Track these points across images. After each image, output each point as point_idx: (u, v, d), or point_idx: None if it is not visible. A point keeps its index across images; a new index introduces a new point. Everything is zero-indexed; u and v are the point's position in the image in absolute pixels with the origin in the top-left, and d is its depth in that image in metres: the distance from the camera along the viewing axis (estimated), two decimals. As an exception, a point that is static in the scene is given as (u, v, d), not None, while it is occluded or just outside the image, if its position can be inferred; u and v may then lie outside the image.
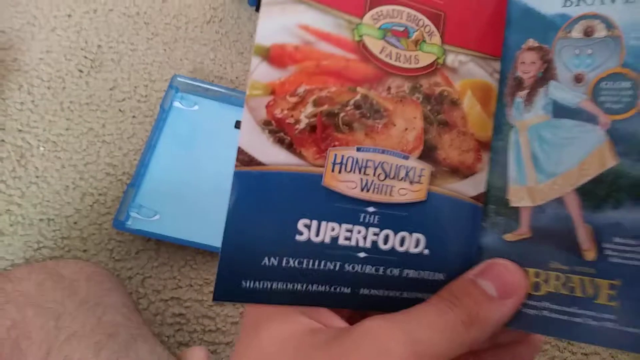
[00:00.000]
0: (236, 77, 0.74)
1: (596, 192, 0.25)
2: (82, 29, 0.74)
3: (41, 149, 0.67)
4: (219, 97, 0.70)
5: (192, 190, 0.64)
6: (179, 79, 0.70)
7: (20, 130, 0.67)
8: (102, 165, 0.67)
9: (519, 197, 0.27)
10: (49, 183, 0.65)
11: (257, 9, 0.78)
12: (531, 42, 0.27)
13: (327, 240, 0.24)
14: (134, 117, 0.70)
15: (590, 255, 0.25)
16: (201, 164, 0.66)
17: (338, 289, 0.25)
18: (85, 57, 0.73)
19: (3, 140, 0.66)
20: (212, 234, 0.62)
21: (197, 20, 0.77)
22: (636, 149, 0.24)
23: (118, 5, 0.76)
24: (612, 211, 0.24)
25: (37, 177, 0.65)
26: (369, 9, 0.24)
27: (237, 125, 0.69)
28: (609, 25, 0.25)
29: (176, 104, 0.70)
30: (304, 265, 0.24)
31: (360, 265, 0.25)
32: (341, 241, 0.25)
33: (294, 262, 0.24)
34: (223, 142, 0.68)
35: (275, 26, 0.23)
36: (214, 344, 0.61)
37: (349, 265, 0.25)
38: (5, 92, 0.69)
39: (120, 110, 0.70)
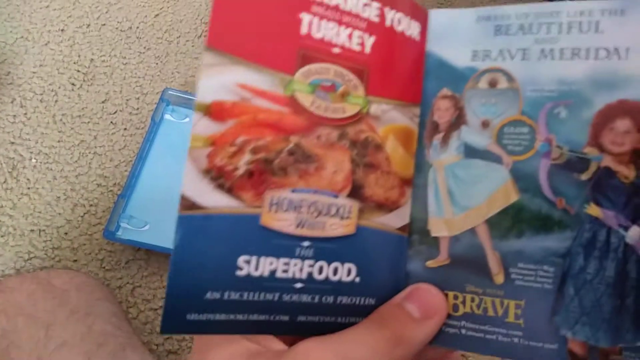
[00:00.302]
0: (226, 90, 0.76)
1: (502, 224, 0.28)
2: (75, 43, 0.75)
3: (33, 160, 0.68)
4: (209, 110, 0.72)
5: (181, 201, 0.66)
6: (170, 92, 0.71)
7: (12, 143, 0.69)
8: (93, 177, 0.68)
9: (438, 228, 0.30)
10: (41, 194, 0.66)
11: None
12: (445, 91, 0.30)
13: (266, 274, 0.26)
14: (125, 129, 0.72)
15: (499, 279, 0.28)
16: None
17: (277, 317, 0.27)
18: (78, 71, 0.74)
19: (-4, 153, 0.68)
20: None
21: (188, 34, 0.79)
22: (534, 186, 0.28)
23: (111, 20, 0.78)
24: (516, 240, 0.28)
25: (28, 188, 0.67)
26: (300, 67, 0.27)
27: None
28: (510, 78, 0.29)
29: (167, 116, 0.71)
30: (244, 298, 0.26)
31: (297, 295, 0.27)
32: (279, 274, 0.26)
33: (234, 295, 0.26)
34: (212, 154, 0.69)
35: (214, 85, 0.25)
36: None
37: (286, 296, 0.27)
38: (-1, 106, 0.70)
39: (112, 122, 0.72)
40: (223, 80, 0.25)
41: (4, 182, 0.66)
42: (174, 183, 0.66)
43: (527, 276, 0.27)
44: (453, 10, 0.30)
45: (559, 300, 0.27)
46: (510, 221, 0.28)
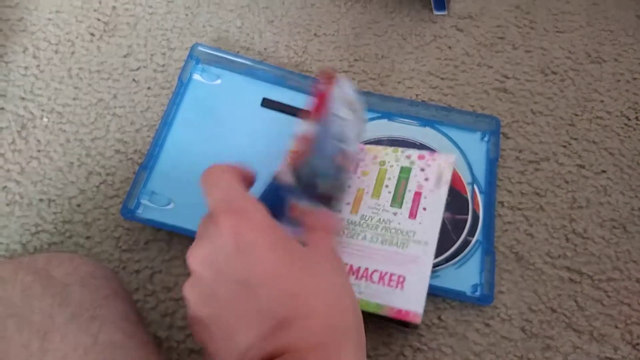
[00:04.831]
0: (265, 49, 0.67)
1: None
2: (95, -14, 0.66)
3: (45, 119, 0.60)
4: (245, 71, 0.63)
5: (210, 175, 0.57)
6: (200, 48, 0.62)
7: (22, 98, 0.60)
8: (111, 142, 0.60)
9: None
10: (52, 158, 0.58)
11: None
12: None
13: None
14: (149, 88, 0.63)
15: None
16: (223, 146, 0.59)
17: None
18: (98, 20, 0.66)
19: (3, 109, 0.60)
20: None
21: (223, -18, 0.69)
22: None
23: (137, -38, 0.68)
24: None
25: (38, 151, 0.59)
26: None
27: (264, 103, 0.62)
28: None
29: (196, 76, 0.62)
30: None
31: None
32: None
33: None
34: (248, 122, 0.60)
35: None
36: (227, 350, 0.54)
37: None
38: (8, 55, 0.62)
39: (134, 80, 0.63)
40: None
41: (12, 142, 0.58)
42: (203, 154, 0.58)
43: None
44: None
45: None
46: None
